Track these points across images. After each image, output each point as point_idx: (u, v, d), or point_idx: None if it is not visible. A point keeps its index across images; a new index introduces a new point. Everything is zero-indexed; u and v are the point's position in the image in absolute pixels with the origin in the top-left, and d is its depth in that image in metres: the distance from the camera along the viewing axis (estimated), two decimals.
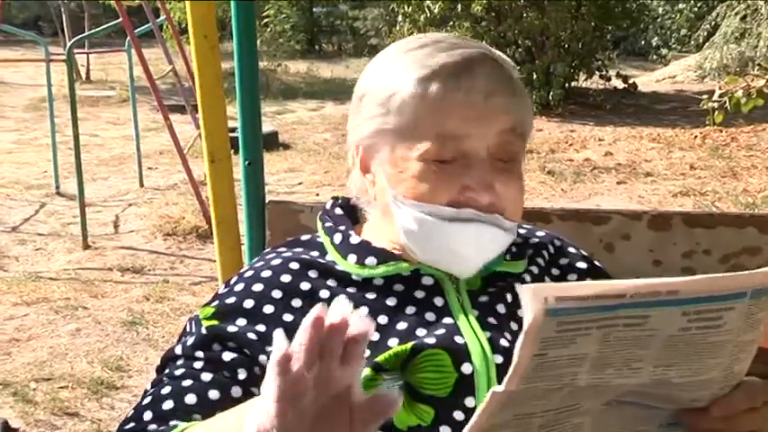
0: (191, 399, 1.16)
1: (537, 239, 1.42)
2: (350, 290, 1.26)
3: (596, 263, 1.46)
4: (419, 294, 1.26)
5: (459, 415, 1.16)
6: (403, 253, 1.27)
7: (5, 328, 4.83)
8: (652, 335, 0.90)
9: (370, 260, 1.28)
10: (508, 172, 1.23)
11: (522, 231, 1.42)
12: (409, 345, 1.18)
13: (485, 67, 1.21)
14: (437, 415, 1.15)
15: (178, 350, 1.24)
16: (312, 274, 1.29)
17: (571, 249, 1.45)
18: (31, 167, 9.39)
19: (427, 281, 1.28)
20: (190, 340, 1.23)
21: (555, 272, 1.40)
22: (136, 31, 7.14)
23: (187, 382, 1.17)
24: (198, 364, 1.19)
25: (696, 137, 9.95)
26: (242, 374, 1.18)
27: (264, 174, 2.02)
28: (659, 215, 2.56)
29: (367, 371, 1.16)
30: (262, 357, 1.18)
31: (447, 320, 1.23)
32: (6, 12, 8.54)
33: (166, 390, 1.17)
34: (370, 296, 1.26)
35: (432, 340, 1.19)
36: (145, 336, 4.75)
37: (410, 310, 1.24)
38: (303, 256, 1.32)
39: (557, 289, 0.84)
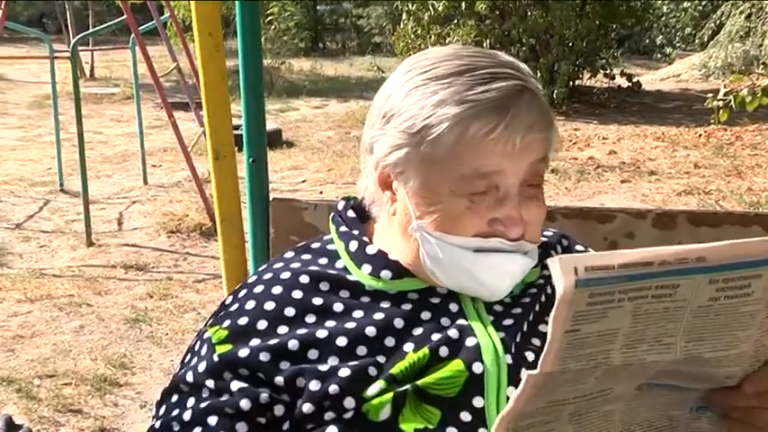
0: None
1: (545, 239, 1.41)
2: (363, 299, 1.25)
3: None
4: (434, 300, 1.25)
5: (465, 416, 1.15)
6: (419, 272, 1.26)
7: (9, 325, 4.84)
8: (681, 306, 0.90)
9: (386, 273, 1.27)
10: (536, 198, 1.22)
11: None
12: (425, 354, 1.17)
13: (523, 103, 1.17)
14: (444, 416, 1.15)
15: (189, 377, 1.22)
16: (323, 287, 1.27)
17: (578, 248, 1.45)
18: (35, 164, 9.40)
19: (441, 290, 1.27)
20: (201, 366, 1.22)
21: None
22: (140, 28, 7.14)
23: (197, 431, 1.17)
24: (203, 404, 1.18)
25: (700, 135, 9.94)
26: (245, 405, 1.17)
27: (268, 171, 2.01)
28: (664, 214, 2.56)
29: (381, 383, 1.15)
30: (278, 379, 1.17)
31: (461, 322, 1.22)
32: (11, 9, 8.54)
33: None
34: (385, 305, 1.25)
35: (445, 352, 1.18)
36: (148, 333, 4.75)
37: (426, 315, 1.24)
38: (312, 268, 1.30)
39: (586, 258, 0.84)
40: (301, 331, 1.21)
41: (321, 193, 7.85)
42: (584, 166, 8.76)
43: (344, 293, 1.26)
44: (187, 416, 1.18)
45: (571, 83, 12.22)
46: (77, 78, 6.83)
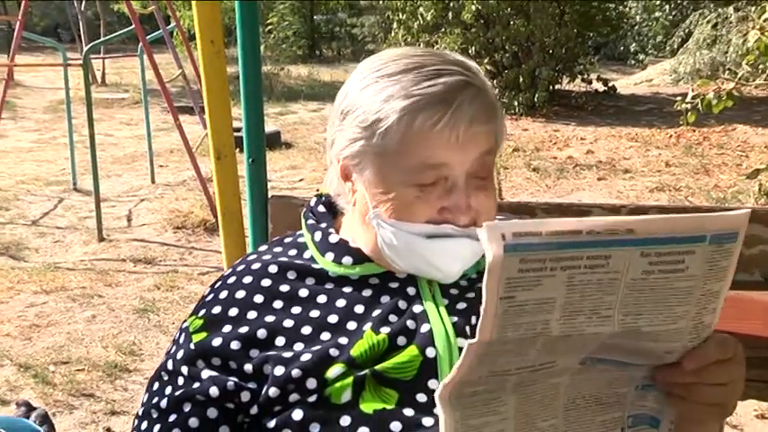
0: None
1: None
2: (327, 286, 1.26)
3: None
4: (393, 285, 1.26)
5: (422, 397, 1.15)
6: (379, 258, 1.26)
7: (26, 315, 4.82)
8: (615, 278, 0.87)
9: (347, 259, 1.27)
10: (484, 189, 1.22)
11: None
12: (384, 339, 1.17)
13: (467, 96, 1.17)
14: (401, 398, 1.14)
15: (169, 365, 1.24)
16: (290, 275, 1.28)
17: None
18: (51, 165, 9.38)
19: (401, 275, 1.27)
20: (179, 354, 1.24)
21: None
22: (148, 37, 7.13)
23: (172, 417, 1.19)
24: (178, 392, 1.20)
25: (671, 136, 9.95)
26: (213, 392, 1.18)
27: (267, 171, 2.01)
28: (637, 208, 2.56)
29: (341, 366, 1.15)
30: (247, 366, 1.18)
31: (417, 308, 1.22)
32: (28, 20, 8.51)
33: (157, 428, 1.19)
34: (347, 290, 1.25)
35: (402, 341, 1.18)
36: (156, 322, 4.74)
37: (385, 299, 1.24)
38: (281, 259, 1.31)
39: (513, 225, 0.82)
40: (269, 318, 1.22)
41: (317, 191, 7.83)
42: (564, 164, 8.77)
43: (310, 281, 1.27)
44: (164, 403, 1.20)
45: (551, 87, 12.21)
46: (89, 84, 6.81)
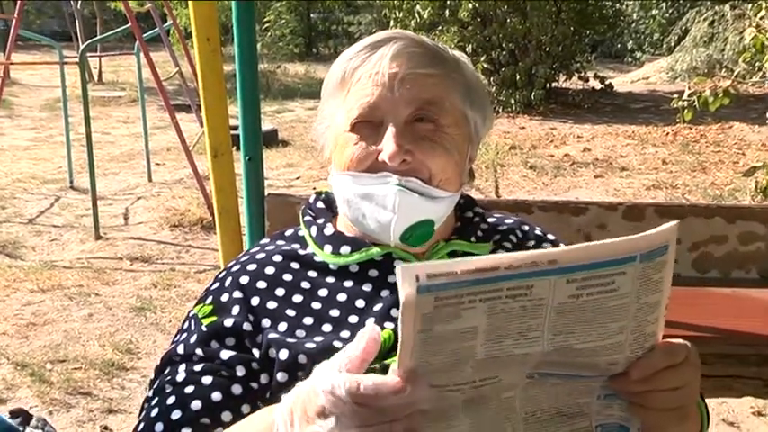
0: (196, 404, 1.13)
1: (505, 226, 1.41)
2: (328, 279, 1.26)
3: (562, 244, 1.43)
4: (392, 279, 1.25)
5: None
6: (372, 239, 1.26)
7: (23, 314, 4.82)
8: (540, 304, 0.85)
9: (344, 249, 1.27)
10: (431, 140, 1.21)
11: (491, 220, 1.42)
12: (389, 335, 1.16)
13: (399, 42, 1.22)
14: None
15: (180, 349, 1.21)
16: (294, 265, 1.28)
17: (537, 232, 1.43)
18: (47, 163, 9.36)
19: (399, 264, 1.26)
20: (192, 338, 1.22)
21: None
22: (144, 35, 7.11)
23: (189, 389, 1.15)
24: (197, 367, 1.17)
25: (668, 134, 9.96)
26: (240, 371, 1.16)
27: (264, 169, 2.01)
28: (633, 206, 2.56)
29: None
30: (254, 351, 1.18)
31: None
32: (24, 18, 8.50)
33: (171, 399, 1.15)
34: (348, 284, 1.25)
35: None
36: (153, 320, 4.74)
37: (385, 293, 1.24)
38: (285, 248, 1.32)
39: (428, 266, 0.80)
40: (271, 305, 1.22)
41: (314, 189, 7.84)
42: (561, 162, 8.77)
43: (312, 273, 1.27)
44: (180, 377, 1.16)
45: (548, 85, 12.22)
46: (86, 82, 6.80)
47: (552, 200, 2.38)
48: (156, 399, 1.16)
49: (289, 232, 1.39)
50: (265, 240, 1.38)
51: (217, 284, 1.29)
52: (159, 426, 1.12)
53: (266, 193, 2.02)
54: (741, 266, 2.65)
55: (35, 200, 7.60)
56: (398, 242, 1.23)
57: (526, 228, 1.44)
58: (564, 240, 1.46)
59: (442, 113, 1.22)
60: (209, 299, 1.26)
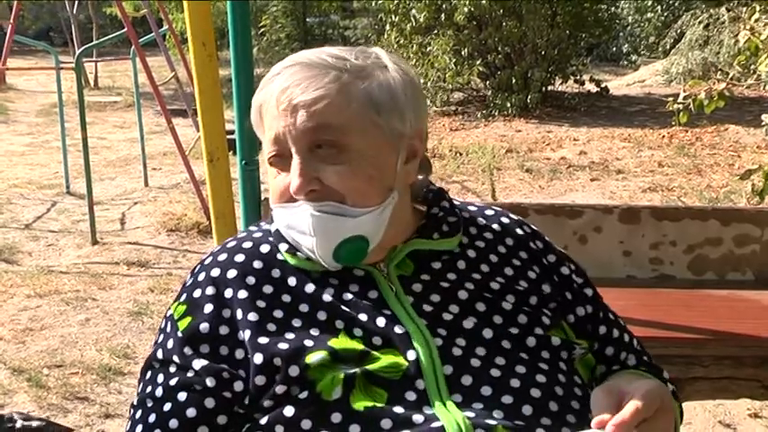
0: (173, 423, 1.18)
1: (483, 221, 1.40)
2: (290, 282, 1.27)
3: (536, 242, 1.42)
4: (354, 288, 1.26)
5: (410, 395, 1.16)
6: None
7: (20, 319, 4.81)
8: None
9: (300, 254, 1.28)
10: (334, 164, 1.20)
11: (470, 210, 1.42)
12: (361, 341, 1.19)
13: (289, 70, 1.22)
14: (390, 396, 1.16)
15: (159, 354, 1.25)
16: (264, 249, 1.31)
17: (519, 231, 1.41)
18: (43, 168, 9.35)
19: (358, 272, 1.27)
20: (168, 343, 1.25)
21: (501, 249, 1.36)
22: (140, 40, 7.11)
23: (167, 406, 1.19)
24: (173, 381, 1.20)
25: (664, 137, 9.97)
26: (210, 382, 1.18)
27: (260, 173, 2.01)
28: (629, 209, 2.57)
29: (323, 354, 1.17)
30: (239, 352, 1.20)
31: (385, 311, 1.23)
32: (19, 24, 8.50)
33: (152, 417, 1.19)
34: (309, 290, 1.26)
35: (378, 341, 1.20)
36: (150, 325, 4.73)
37: (347, 296, 1.24)
38: (255, 235, 1.35)
39: None
40: (242, 294, 1.24)
41: None
42: (557, 165, 8.78)
43: (276, 272, 1.28)
44: (159, 392, 1.21)
45: (544, 88, 12.21)
46: (82, 88, 6.81)
47: (548, 203, 2.38)
48: (140, 412, 1.21)
49: (264, 223, 1.40)
50: (243, 233, 1.40)
51: (191, 280, 1.32)
52: None
53: (262, 198, 2.02)
54: (737, 269, 2.66)
55: (31, 205, 7.59)
56: (336, 264, 1.24)
57: (506, 220, 1.42)
58: (554, 241, 1.46)
59: (341, 133, 1.20)
60: (183, 296, 1.29)
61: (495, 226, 1.39)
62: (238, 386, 1.19)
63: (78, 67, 6.89)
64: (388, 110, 1.24)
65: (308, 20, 25.15)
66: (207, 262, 1.33)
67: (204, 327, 1.23)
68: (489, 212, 1.43)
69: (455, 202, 1.41)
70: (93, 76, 16.58)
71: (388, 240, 1.28)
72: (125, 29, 6.85)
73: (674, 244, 2.56)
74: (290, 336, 1.19)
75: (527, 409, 1.16)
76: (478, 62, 11.78)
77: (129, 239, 6.46)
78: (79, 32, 14.95)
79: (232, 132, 1.88)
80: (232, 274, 1.27)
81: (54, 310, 4.96)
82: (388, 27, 12.61)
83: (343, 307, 1.23)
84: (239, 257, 1.30)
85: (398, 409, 1.14)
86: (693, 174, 8.32)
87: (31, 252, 6.18)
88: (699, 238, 2.59)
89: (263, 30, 19.49)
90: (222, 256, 1.31)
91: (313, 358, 1.16)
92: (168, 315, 1.30)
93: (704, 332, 2.24)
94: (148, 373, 1.25)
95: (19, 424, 2.97)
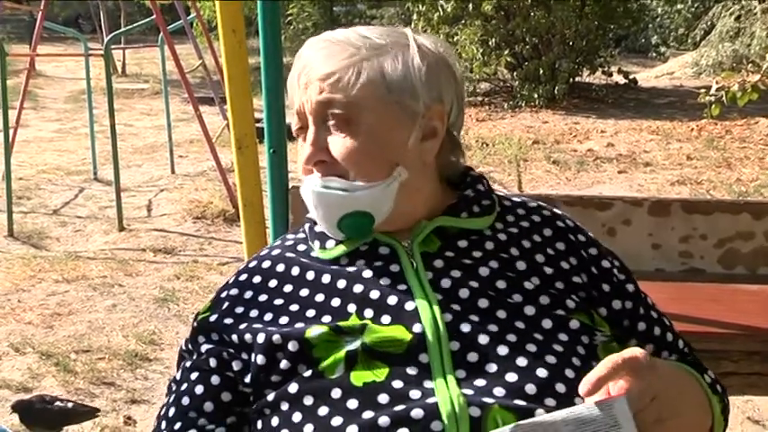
0: (185, 400, 1.26)
1: (523, 211, 1.39)
2: (316, 265, 1.31)
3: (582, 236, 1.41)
4: (377, 263, 1.28)
5: (412, 370, 1.16)
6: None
7: (48, 304, 4.86)
8: None
9: (330, 243, 1.32)
10: (339, 132, 1.25)
11: (514, 199, 1.42)
12: (367, 322, 1.21)
13: (310, 47, 1.29)
14: (391, 371, 1.16)
15: (183, 345, 1.36)
16: (289, 254, 1.36)
17: (559, 223, 1.39)
18: (71, 155, 9.43)
19: (384, 250, 1.29)
20: (188, 334, 1.36)
21: (537, 238, 1.34)
22: (168, 27, 7.14)
23: (183, 386, 1.28)
24: (188, 363, 1.31)
25: (693, 129, 9.87)
26: (212, 363, 1.27)
27: (288, 161, 2.01)
28: (659, 201, 2.54)
29: (325, 329, 1.20)
30: (234, 337, 1.26)
31: (401, 287, 1.24)
32: (49, 11, 8.55)
33: (171, 398, 1.29)
34: (334, 267, 1.30)
35: (387, 320, 1.20)
36: (176, 312, 4.76)
37: (367, 273, 1.27)
38: (286, 243, 1.40)
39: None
40: (262, 298, 1.30)
41: None
42: (584, 157, 8.72)
43: (305, 263, 1.33)
44: (178, 375, 1.31)
45: (571, 80, 12.13)
46: (110, 75, 6.85)
47: (577, 194, 2.37)
48: (166, 395, 1.32)
49: (300, 230, 1.44)
50: (278, 241, 1.46)
51: (224, 283, 1.39)
52: (164, 423, 1.26)
53: (290, 186, 2.02)
54: (731, 265, 2.62)
55: (59, 191, 7.66)
56: (340, 234, 1.29)
57: (548, 213, 1.40)
58: (590, 232, 1.44)
59: (349, 108, 1.24)
60: (212, 296, 1.37)
61: (534, 217, 1.38)
62: (237, 365, 1.25)
63: (107, 53, 6.92)
64: (399, 88, 1.25)
65: (334, 9, 25.14)
66: (240, 269, 1.39)
67: (213, 317, 1.31)
68: (532, 204, 1.42)
69: (497, 192, 1.40)
70: (120, 63, 16.69)
71: (409, 215, 1.30)
72: (153, 16, 6.88)
73: (705, 237, 2.53)
74: (300, 325, 1.23)
75: (530, 388, 1.13)
76: (506, 52, 11.72)
77: (155, 226, 6.50)
78: (108, 19, 15.06)
79: (260, 120, 1.87)
80: (257, 279, 1.33)
81: (81, 295, 5.00)
82: (415, 17, 12.56)
83: (357, 288, 1.24)
84: (266, 264, 1.35)
85: (397, 384, 1.14)
86: (723, 167, 8.23)
87: (59, 237, 6.25)
88: (730, 232, 2.56)
89: (289, 18, 19.51)
90: (252, 263, 1.38)
91: (312, 333, 1.19)
92: (196, 313, 1.38)
93: (734, 327, 2.21)
94: (180, 361, 1.35)
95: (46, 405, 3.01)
